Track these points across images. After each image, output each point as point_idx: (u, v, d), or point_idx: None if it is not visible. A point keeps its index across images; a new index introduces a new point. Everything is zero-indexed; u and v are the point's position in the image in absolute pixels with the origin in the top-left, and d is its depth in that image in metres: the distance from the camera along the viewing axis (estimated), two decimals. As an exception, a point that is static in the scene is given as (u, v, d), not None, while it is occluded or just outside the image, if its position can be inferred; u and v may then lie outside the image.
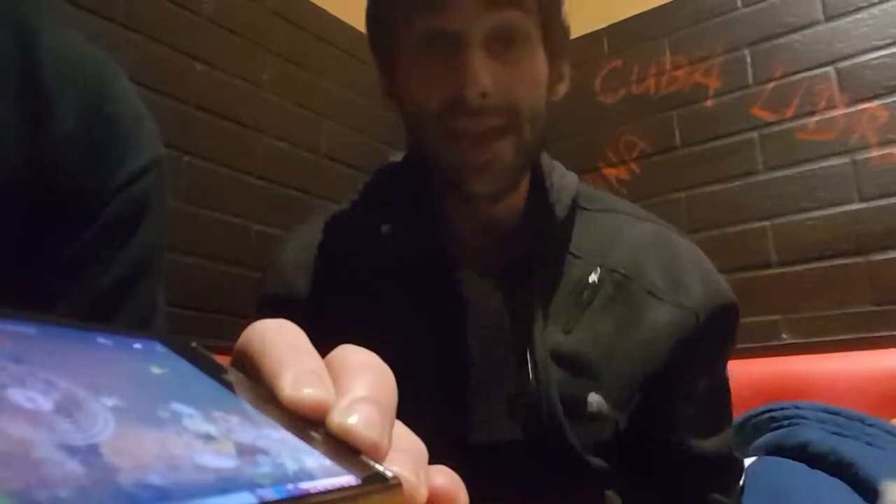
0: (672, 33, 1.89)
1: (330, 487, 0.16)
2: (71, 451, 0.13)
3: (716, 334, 0.70)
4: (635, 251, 0.72)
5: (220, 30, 1.58)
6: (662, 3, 1.92)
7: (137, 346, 0.19)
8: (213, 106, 1.54)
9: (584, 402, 0.66)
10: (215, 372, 0.20)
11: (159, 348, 0.20)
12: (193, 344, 0.21)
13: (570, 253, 0.71)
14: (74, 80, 0.45)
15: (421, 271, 0.70)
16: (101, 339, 0.18)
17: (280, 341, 0.21)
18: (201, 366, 0.20)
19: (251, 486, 0.15)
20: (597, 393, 0.66)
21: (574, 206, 0.73)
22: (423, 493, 0.18)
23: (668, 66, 1.89)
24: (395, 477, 0.18)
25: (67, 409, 0.14)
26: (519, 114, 0.64)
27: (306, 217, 0.81)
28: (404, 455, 0.19)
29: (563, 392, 0.65)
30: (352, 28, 1.88)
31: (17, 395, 0.14)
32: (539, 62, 0.67)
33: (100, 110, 0.45)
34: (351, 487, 0.17)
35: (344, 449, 0.18)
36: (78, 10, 1.30)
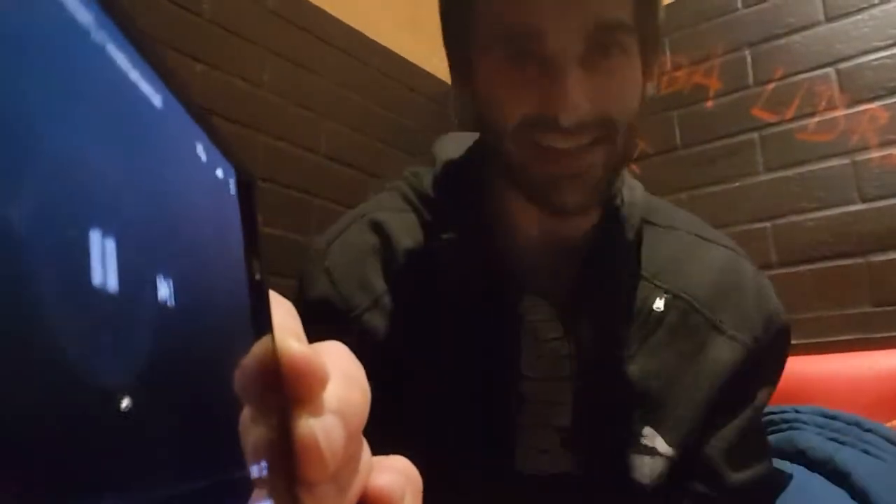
0: (672, 34, 1.89)
1: None
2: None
3: (766, 361, 0.69)
4: (702, 279, 0.69)
5: (220, 30, 1.58)
6: (663, 3, 1.92)
7: (219, 174, 0.18)
8: (213, 106, 1.54)
9: (640, 434, 0.64)
10: (250, 256, 0.18)
11: (231, 190, 0.18)
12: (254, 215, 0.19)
13: (640, 275, 0.68)
14: None
15: (482, 292, 0.66)
16: (200, 148, 0.17)
17: (279, 308, 0.19)
18: (248, 240, 0.18)
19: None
20: (651, 427, 0.64)
21: (641, 223, 0.70)
22: None
23: (668, 67, 1.89)
24: None
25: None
26: (614, 126, 0.60)
27: (340, 218, 0.74)
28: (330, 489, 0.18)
29: (620, 422, 0.64)
30: (352, 28, 1.88)
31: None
32: (635, 67, 0.62)
33: None
34: None
35: (289, 456, 0.17)
36: (78, 10, 1.30)
